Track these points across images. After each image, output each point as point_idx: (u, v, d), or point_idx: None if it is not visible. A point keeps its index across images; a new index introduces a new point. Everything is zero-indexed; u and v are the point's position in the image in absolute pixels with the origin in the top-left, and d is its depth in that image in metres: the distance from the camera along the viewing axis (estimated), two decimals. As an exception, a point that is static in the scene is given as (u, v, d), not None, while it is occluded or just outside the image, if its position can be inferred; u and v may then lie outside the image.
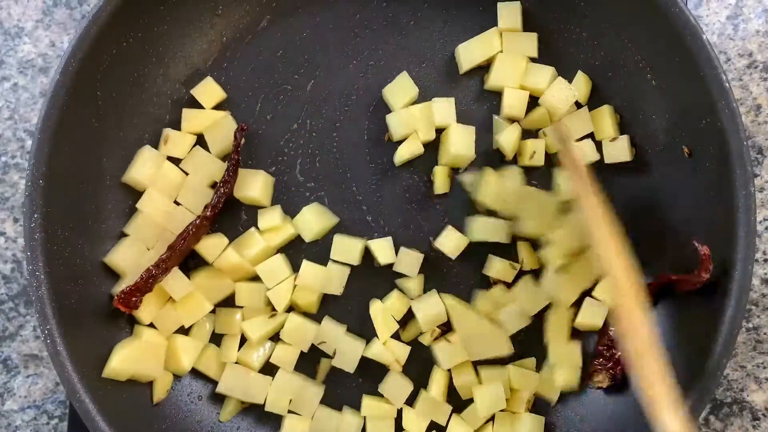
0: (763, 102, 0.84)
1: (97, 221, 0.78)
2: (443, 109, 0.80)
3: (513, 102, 0.79)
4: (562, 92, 0.79)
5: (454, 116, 0.80)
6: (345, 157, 0.82)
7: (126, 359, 0.76)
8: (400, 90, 0.80)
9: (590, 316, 0.78)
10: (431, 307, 0.78)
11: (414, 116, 0.79)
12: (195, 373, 0.81)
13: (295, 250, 0.81)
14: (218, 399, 0.81)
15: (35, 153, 0.71)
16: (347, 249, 0.79)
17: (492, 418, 0.79)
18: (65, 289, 0.73)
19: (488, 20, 0.81)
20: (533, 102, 0.80)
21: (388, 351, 0.79)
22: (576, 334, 0.79)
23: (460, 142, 0.79)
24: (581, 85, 0.80)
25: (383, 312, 0.79)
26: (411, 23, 0.82)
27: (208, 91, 0.81)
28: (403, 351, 0.79)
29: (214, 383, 0.81)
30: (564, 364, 0.78)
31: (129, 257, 0.78)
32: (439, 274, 0.80)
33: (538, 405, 0.80)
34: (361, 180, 0.81)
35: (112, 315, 0.78)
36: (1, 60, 0.86)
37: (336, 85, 0.82)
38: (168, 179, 0.80)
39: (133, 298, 0.75)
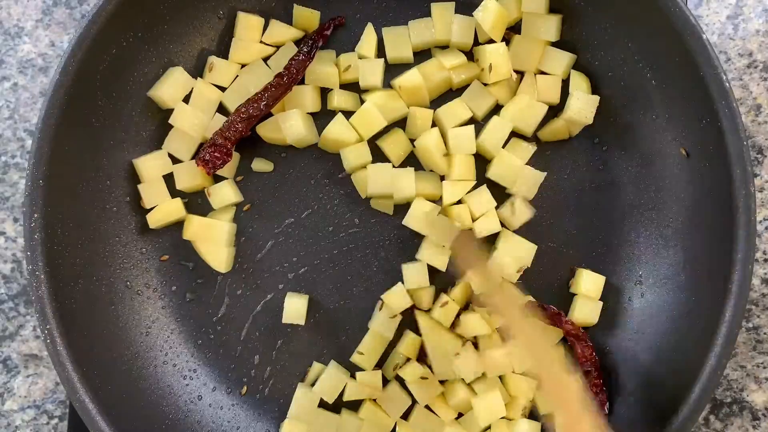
0: (763, 102, 0.84)
1: (98, 220, 0.78)
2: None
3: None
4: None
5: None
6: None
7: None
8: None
9: (583, 313, 0.79)
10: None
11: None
12: (194, 372, 0.81)
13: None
14: (217, 399, 0.81)
15: (35, 153, 0.71)
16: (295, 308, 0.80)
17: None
18: (65, 289, 0.73)
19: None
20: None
21: (361, 384, 0.78)
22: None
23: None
24: (581, 84, 0.80)
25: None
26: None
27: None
28: (376, 379, 0.79)
29: (215, 383, 0.81)
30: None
31: (154, 167, 0.80)
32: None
33: (534, 410, 0.80)
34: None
35: (112, 314, 0.78)
36: (1, 60, 0.86)
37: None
38: (203, 96, 0.80)
39: (214, 154, 0.76)
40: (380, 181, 0.78)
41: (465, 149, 0.78)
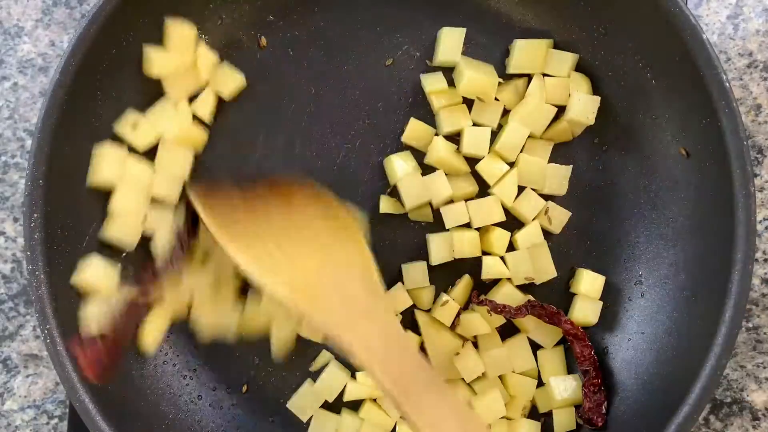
0: (763, 102, 0.84)
1: (98, 220, 0.78)
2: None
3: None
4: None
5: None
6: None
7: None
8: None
9: (583, 313, 0.79)
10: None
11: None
12: (194, 372, 0.81)
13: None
14: (217, 399, 0.81)
15: (35, 153, 0.71)
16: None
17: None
18: (65, 289, 0.73)
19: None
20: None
21: (361, 384, 0.78)
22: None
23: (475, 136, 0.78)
24: (582, 85, 0.79)
25: None
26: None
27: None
28: None
29: (215, 383, 0.81)
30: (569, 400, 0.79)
31: (97, 275, 0.75)
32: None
33: (535, 410, 0.80)
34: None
35: (112, 315, 0.78)
36: (1, 59, 0.86)
37: (343, 88, 0.82)
38: (135, 176, 0.76)
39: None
40: (414, 192, 0.78)
41: (480, 150, 0.78)
